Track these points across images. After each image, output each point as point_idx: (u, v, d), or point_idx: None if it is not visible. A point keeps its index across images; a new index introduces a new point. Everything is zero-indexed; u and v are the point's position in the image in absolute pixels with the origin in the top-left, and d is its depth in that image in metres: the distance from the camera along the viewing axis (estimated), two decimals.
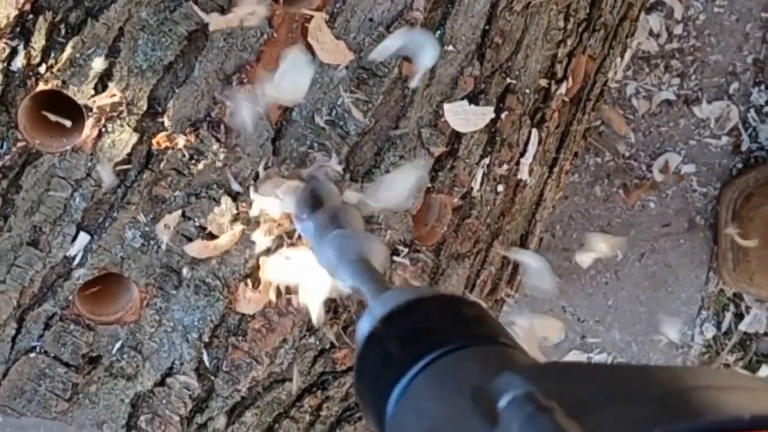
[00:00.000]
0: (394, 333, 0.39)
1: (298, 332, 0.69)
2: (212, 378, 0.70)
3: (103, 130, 0.63)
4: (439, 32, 0.66)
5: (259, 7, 0.60)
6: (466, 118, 0.68)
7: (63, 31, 0.61)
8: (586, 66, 0.76)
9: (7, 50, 0.60)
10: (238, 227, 0.66)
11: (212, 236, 0.66)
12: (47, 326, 0.67)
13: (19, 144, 0.63)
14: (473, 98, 0.68)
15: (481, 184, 0.71)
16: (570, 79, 0.74)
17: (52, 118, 0.63)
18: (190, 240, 0.66)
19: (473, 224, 0.72)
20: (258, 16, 0.60)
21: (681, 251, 1.24)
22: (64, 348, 0.68)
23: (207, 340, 0.69)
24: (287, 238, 0.65)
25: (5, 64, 0.61)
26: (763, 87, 1.21)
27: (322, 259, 0.54)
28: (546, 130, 0.73)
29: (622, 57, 0.84)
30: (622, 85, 1.20)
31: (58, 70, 0.61)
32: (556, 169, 0.78)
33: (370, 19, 0.64)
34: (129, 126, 0.63)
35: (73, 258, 0.66)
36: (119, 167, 0.64)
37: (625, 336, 1.26)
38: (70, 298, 0.67)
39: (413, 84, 0.64)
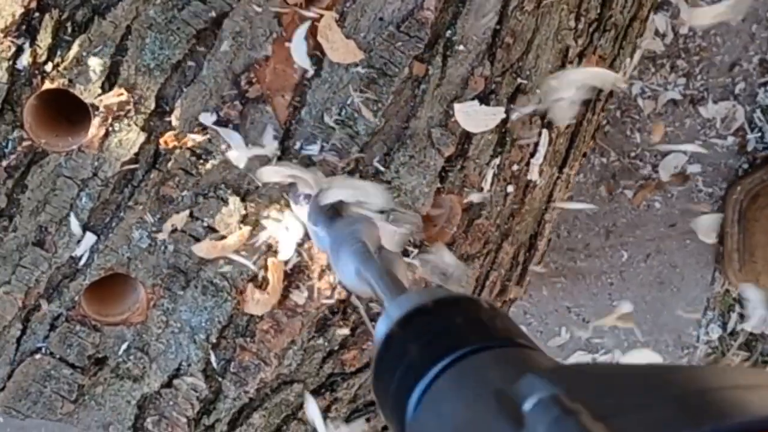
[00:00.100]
0: (413, 335, 0.39)
1: (306, 333, 0.69)
2: (220, 379, 0.69)
3: (110, 129, 0.62)
4: (449, 32, 0.65)
5: None
6: (477, 118, 0.67)
7: (69, 29, 0.61)
8: (597, 66, 0.75)
9: (13, 48, 0.60)
10: (247, 227, 0.65)
11: (220, 236, 0.66)
12: (53, 327, 0.67)
13: (25, 143, 0.62)
14: (484, 98, 0.67)
15: (491, 184, 0.70)
16: None
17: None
18: (197, 240, 0.65)
19: (483, 225, 0.71)
20: None
21: (686, 252, 1.24)
22: (70, 349, 0.67)
23: (214, 341, 0.68)
24: None
25: (11, 62, 0.60)
26: None
27: (340, 271, 0.53)
28: (556, 130, 0.73)
29: (631, 57, 0.83)
30: (628, 85, 1.19)
31: (65, 69, 0.61)
32: (565, 170, 0.77)
33: (381, 19, 0.64)
34: (136, 125, 0.62)
35: (80, 258, 0.65)
36: (126, 167, 0.63)
37: (630, 337, 1.26)
38: (76, 298, 0.66)
39: None
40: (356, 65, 0.64)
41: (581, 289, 1.24)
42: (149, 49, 0.61)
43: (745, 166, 1.22)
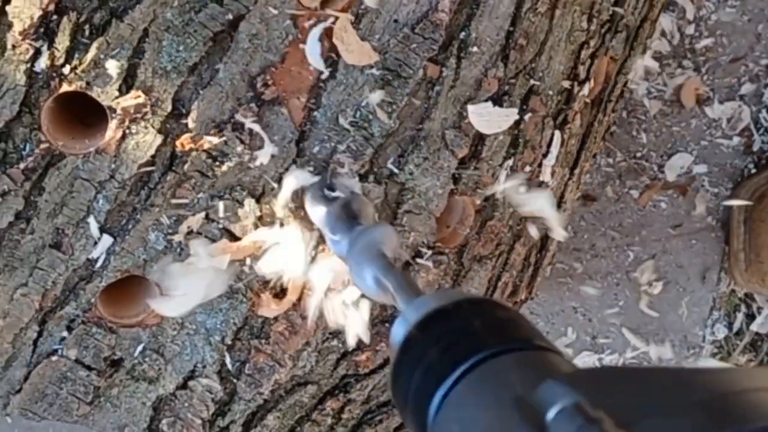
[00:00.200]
0: (432, 338, 0.39)
1: (321, 335, 0.69)
2: (235, 381, 0.69)
3: (127, 131, 0.62)
4: (463, 33, 0.66)
5: None
6: (490, 119, 0.68)
7: (87, 32, 0.61)
8: (608, 67, 0.76)
9: (31, 51, 0.60)
10: (262, 229, 0.66)
11: (235, 238, 0.66)
12: (69, 329, 0.67)
13: (43, 145, 0.62)
14: (497, 100, 0.68)
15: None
16: (592, 81, 0.74)
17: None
18: (213, 242, 0.66)
19: (495, 226, 0.72)
20: None
21: (692, 252, 1.24)
22: (86, 351, 0.67)
23: (229, 342, 0.68)
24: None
25: (29, 65, 0.60)
26: None
27: (359, 277, 0.53)
28: (568, 131, 0.73)
29: (642, 58, 0.84)
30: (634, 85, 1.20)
31: (82, 71, 0.61)
32: (576, 171, 0.78)
33: (395, 20, 0.64)
34: (153, 127, 0.62)
35: (96, 260, 0.65)
36: (143, 169, 0.63)
37: (636, 337, 1.26)
38: (92, 300, 0.66)
39: None
40: (371, 67, 0.64)
41: (587, 290, 1.24)
42: (166, 52, 0.61)
43: (751, 166, 1.22)
